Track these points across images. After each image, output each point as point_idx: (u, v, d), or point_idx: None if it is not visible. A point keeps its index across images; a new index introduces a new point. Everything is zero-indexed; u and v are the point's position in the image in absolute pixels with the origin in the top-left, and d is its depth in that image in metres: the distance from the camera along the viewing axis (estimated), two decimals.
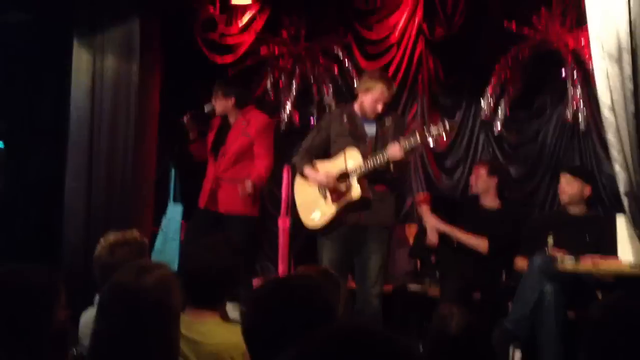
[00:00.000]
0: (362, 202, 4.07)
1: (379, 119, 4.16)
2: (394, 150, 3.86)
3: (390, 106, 4.33)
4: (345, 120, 4.17)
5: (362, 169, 4.01)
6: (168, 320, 1.86)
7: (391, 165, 3.96)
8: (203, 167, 4.97)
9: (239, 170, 4.70)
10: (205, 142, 4.94)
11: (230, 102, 4.80)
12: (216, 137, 4.88)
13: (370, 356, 0.92)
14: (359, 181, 4.03)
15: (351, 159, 4.08)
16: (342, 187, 4.08)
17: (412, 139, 3.85)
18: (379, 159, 3.95)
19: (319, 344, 0.95)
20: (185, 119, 4.85)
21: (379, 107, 4.08)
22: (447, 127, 3.82)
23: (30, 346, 1.96)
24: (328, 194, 4.15)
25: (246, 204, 4.70)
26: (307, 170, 4.23)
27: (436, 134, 3.82)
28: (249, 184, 4.51)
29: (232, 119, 4.84)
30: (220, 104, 4.82)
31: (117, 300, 1.84)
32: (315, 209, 4.18)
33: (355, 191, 4.04)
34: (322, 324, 1.67)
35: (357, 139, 4.12)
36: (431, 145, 3.94)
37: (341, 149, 4.14)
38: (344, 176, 4.09)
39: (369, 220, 4.10)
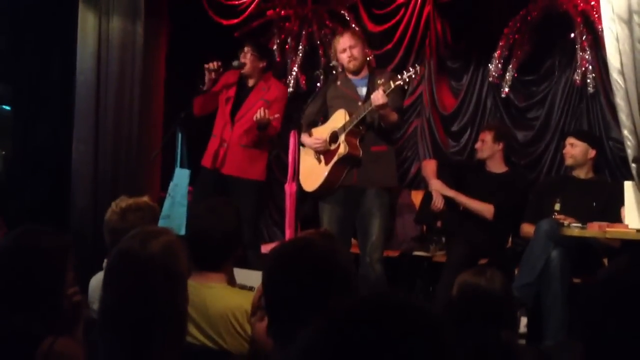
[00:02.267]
0: (352, 159, 4.12)
1: (370, 78, 4.21)
2: (376, 96, 3.92)
3: (396, 70, 4.37)
4: (338, 84, 4.27)
5: (349, 124, 4.08)
6: (175, 285, 1.85)
7: (377, 115, 4.02)
8: (209, 130, 4.96)
9: (254, 138, 4.70)
10: (211, 98, 4.86)
11: (261, 64, 4.81)
12: (235, 99, 4.84)
13: (399, 329, 0.92)
14: (347, 138, 4.10)
15: (340, 119, 4.16)
16: (333, 147, 4.16)
17: (391, 82, 3.93)
18: (364, 110, 4.03)
19: (346, 315, 0.94)
20: (212, 65, 4.72)
21: (348, 53, 4.20)
22: (418, 69, 4.00)
23: (45, 309, 1.98)
24: (321, 157, 4.21)
25: (255, 169, 4.72)
26: (303, 137, 4.33)
27: (409, 74, 3.94)
28: (261, 111, 4.51)
29: (251, 82, 4.82)
30: (252, 64, 4.78)
31: (123, 267, 1.85)
32: (312, 173, 4.23)
33: (343, 147, 4.08)
34: (344, 288, 1.70)
35: (349, 100, 4.20)
36: (407, 87, 4.15)
37: (335, 111, 4.24)
38: (334, 137, 4.16)
39: (365, 182, 4.15)
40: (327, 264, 1.75)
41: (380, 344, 0.89)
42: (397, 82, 3.91)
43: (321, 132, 4.26)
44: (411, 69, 3.96)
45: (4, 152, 6.03)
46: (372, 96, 3.95)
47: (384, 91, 3.90)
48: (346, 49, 4.21)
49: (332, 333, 0.92)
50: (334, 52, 4.32)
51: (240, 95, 4.81)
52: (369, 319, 0.92)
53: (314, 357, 0.91)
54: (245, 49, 4.81)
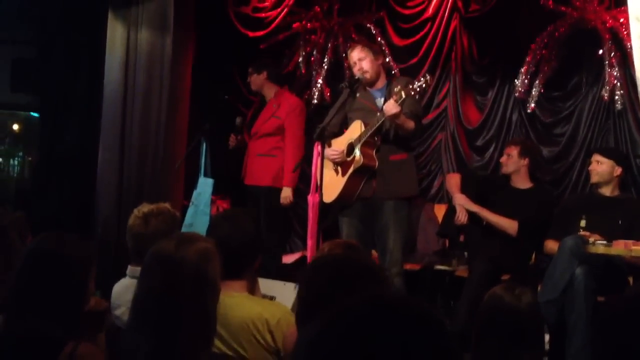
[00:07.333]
0: (368, 170, 4.11)
1: (388, 88, 4.22)
2: (388, 106, 3.91)
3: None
4: (358, 95, 4.28)
5: (364, 135, 4.08)
6: (204, 292, 1.86)
7: (394, 125, 4.01)
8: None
9: (269, 145, 4.89)
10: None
11: (262, 77, 4.99)
12: (253, 116, 5.08)
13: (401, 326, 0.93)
14: (362, 149, 4.09)
15: (356, 130, 4.16)
16: (349, 158, 4.15)
17: (402, 92, 3.91)
18: (377, 120, 4.01)
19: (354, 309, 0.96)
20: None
21: (358, 66, 4.23)
22: (428, 78, 3.97)
23: (68, 314, 2.00)
24: (339, 168, 4.21)
25: (269, 176, 4.88)
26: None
27: (419, 84, 3.92)
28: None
29: (266, 98, 5.06)
30: (254, 82, 5.04)
31: (155, 266, 1.86)
32: (330, 184, 4.23)
33: (358, 158, 4.07)
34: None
35: (367, 111, 4.20)
36: (417, 96, 4.06)
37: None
38: (351, 148, 4.16)
39: (384, 193, 4.12)
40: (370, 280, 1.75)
41: (381, 342, 0.90)
42: (408, 92, 3.90)
43: (339, 144, 4.26)
44: (422, 79, 3.95)
45: (30, 159, 6.11)
46: (384, 106, 3.95)
47: (396, 101, 3.90)
48: (356, 62, 4.24)
49: (338, 328, 0.93)
50: (349, 66, 4.37)
51: (259, 110, 5.08)
52: (373, 316, 0.93)
53: (319, 351, 0.92)
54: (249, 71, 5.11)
